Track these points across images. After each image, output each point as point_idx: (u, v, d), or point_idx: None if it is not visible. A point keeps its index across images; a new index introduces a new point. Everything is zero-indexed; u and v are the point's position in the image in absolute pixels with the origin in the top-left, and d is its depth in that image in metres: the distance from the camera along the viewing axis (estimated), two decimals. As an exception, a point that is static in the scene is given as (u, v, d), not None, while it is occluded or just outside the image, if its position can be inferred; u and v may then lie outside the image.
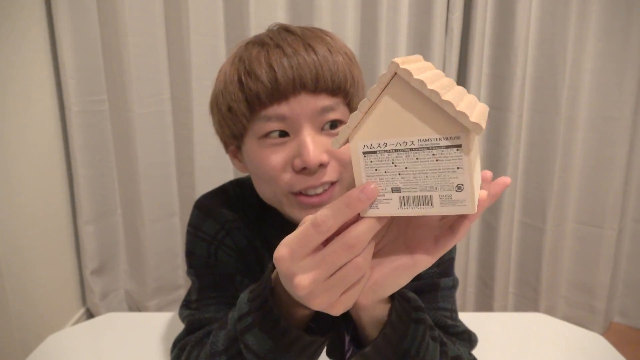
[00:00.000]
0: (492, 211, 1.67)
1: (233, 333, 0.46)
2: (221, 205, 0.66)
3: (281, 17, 1.51)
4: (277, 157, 0.54)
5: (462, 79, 1.59)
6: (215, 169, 1.62)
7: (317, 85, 0.52)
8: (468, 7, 1.51)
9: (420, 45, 1.54)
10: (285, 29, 0.57)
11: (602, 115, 1.59)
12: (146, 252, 1.69)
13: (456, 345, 0.57)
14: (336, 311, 0.37)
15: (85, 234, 1.64)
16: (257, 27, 1.47)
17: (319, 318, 0.46)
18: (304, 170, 0.53)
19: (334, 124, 0.54)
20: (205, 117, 1.58)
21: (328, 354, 0.49)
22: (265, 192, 0.59)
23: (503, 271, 1.69)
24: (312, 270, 0.35)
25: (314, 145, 0.51)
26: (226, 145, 0.62)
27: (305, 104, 0.52)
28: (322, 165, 0.53)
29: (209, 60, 1.54)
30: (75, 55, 1.52)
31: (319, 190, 0.55)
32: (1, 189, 1.32)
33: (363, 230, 0.34)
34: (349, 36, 1.53)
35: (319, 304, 0.36)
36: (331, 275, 0.35)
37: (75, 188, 1.61)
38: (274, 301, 0.42)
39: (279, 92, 0.52)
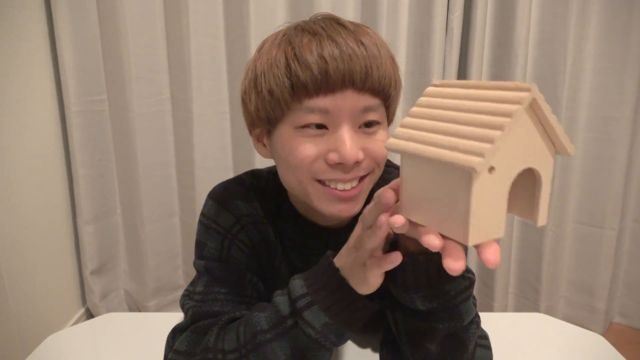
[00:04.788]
0: (492, 211, 1.67)
1: (282, 313, 0.52)
2: (237, 198, 0.65)
3: (281, 17, 1.50)
4: (311, 148, 0.53)
5: (462, 79, 1.58)
6: (215, 169, 1.62)
7: (365, 83, 0.52)
8: (468, 7, 1.51)
9: (420, 45, 1.54)
10: (336, 21, 0.56)
11: (602, 115, 1.59)
12: (146, 252, 1.69)
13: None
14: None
15: (85, 234, 1.64)
16: (257, 27, 1.47)
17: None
18: (339, 166, 0.53)
19: (370, 124, 0.54)
20: (205, 117, 1.60)
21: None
22: (290, 180, 0.58)
23: (503, 271, 1.69)
24: None
25: (351, 142, 0.52)
26: (252, 127, 0.61)
27: (349, 101, 0.52)
28: (357, 163, 0.53)
29: (209, 60, 1.54)
30: (75, 55, 1.52)
31: (348, 187, 0.55)
32: (1, 189, 1.32)
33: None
34: (349, 36, 1.53)
35: None
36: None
37: (75, 188, 1.61)
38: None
39: (327, 85, 0.51)
